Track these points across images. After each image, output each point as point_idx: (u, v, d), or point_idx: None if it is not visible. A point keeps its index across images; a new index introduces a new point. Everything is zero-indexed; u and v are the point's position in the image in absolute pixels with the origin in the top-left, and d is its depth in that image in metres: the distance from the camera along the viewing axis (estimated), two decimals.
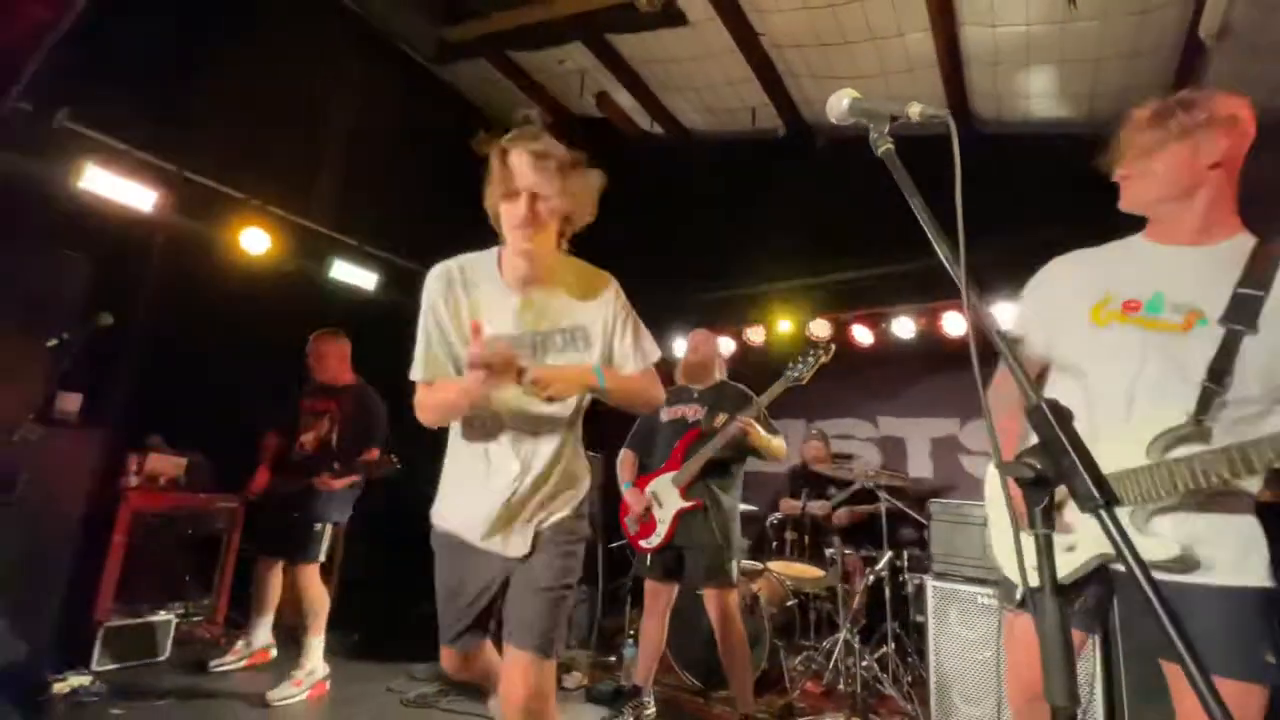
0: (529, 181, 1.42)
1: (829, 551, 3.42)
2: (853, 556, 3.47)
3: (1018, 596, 1.29)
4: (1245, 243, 1.20)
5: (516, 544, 1.51)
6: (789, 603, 3.36)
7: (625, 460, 2.93)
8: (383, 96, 4.73)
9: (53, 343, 2.60)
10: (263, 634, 3.05)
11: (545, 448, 1.53)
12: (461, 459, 1.58)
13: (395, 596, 3.71)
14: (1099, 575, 1.23)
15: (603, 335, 1.56)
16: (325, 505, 2.97)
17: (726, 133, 4.84)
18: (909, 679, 3.06)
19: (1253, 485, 1.13)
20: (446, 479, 1.62)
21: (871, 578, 3.25)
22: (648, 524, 2.71)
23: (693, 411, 2.76)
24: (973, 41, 3.23)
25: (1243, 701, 1.03)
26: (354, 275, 4.46)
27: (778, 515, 3.83)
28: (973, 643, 2.57)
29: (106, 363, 3.33)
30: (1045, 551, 0.61)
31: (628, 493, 2.81)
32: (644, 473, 2.84)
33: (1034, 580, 1.20)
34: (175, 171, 3.63)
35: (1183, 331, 1.17)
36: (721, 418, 2.65)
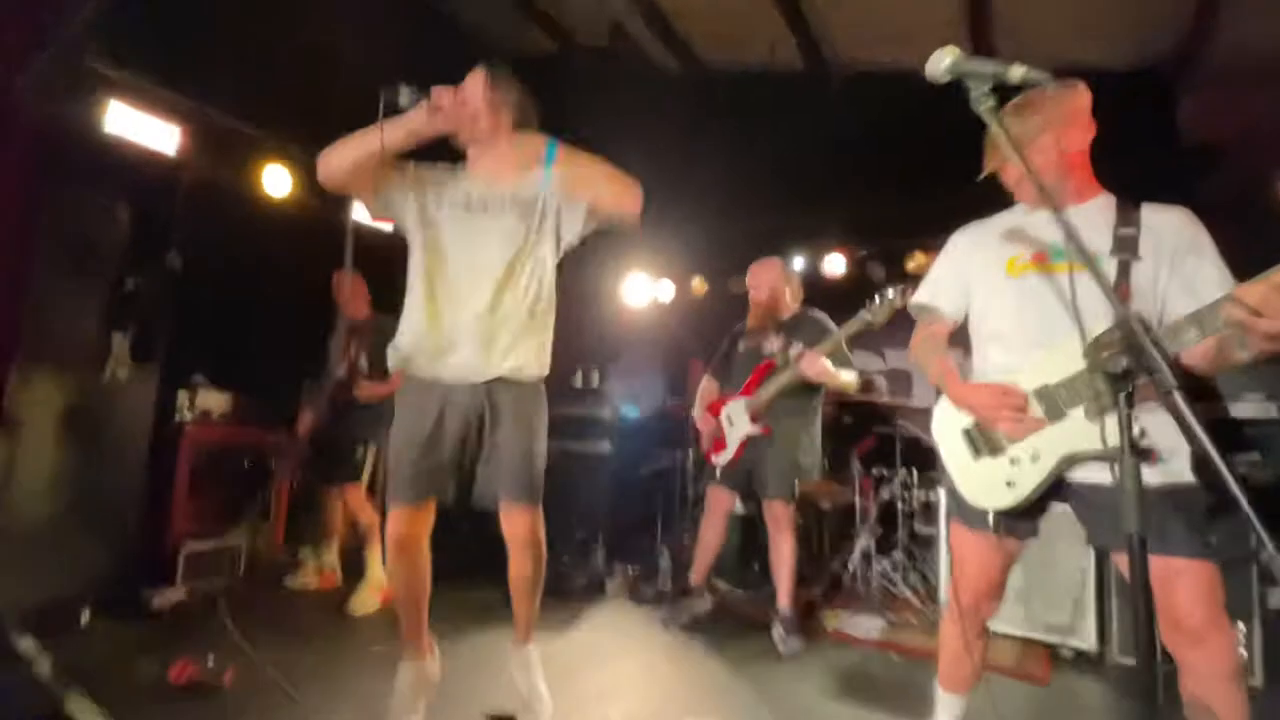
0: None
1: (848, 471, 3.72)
2: (866, 475, 3.77)
3: (991, 521, 1.50)
4: (1109, 198, 1.49)
5: None
6: (810, 516, 3.68)
7: (705, 389, 3.13)
8: (393, 31, 4.62)
9: (129, 287, 2.68)
10: (329, 558, 3.30)
11: None
12: None
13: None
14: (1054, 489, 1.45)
15: (551, 198, 1.80)
16: (361, 426, 3.18)
17: (744, 66, 4.80)
18: (919, 582, 3.40)
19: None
20: None
21: (886, 494, 3.56)
22: (719, 441, 2.96)
23: (769, 343, 2.92)
24: None
25: (1199, 576, 1.27)
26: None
27: None
28: None
29: (147, 305, 3.42)
30: (1126, 427, 0.80)
31: (699, 419, 3.06)
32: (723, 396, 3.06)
33: (995, 504, 1.46)
34: (195, 107, 3.61)
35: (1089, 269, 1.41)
36: (796, 349, 2.80)
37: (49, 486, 2.81)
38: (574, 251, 1.89)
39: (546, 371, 1.85)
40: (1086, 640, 2.61)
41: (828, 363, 2.69)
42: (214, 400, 3.59)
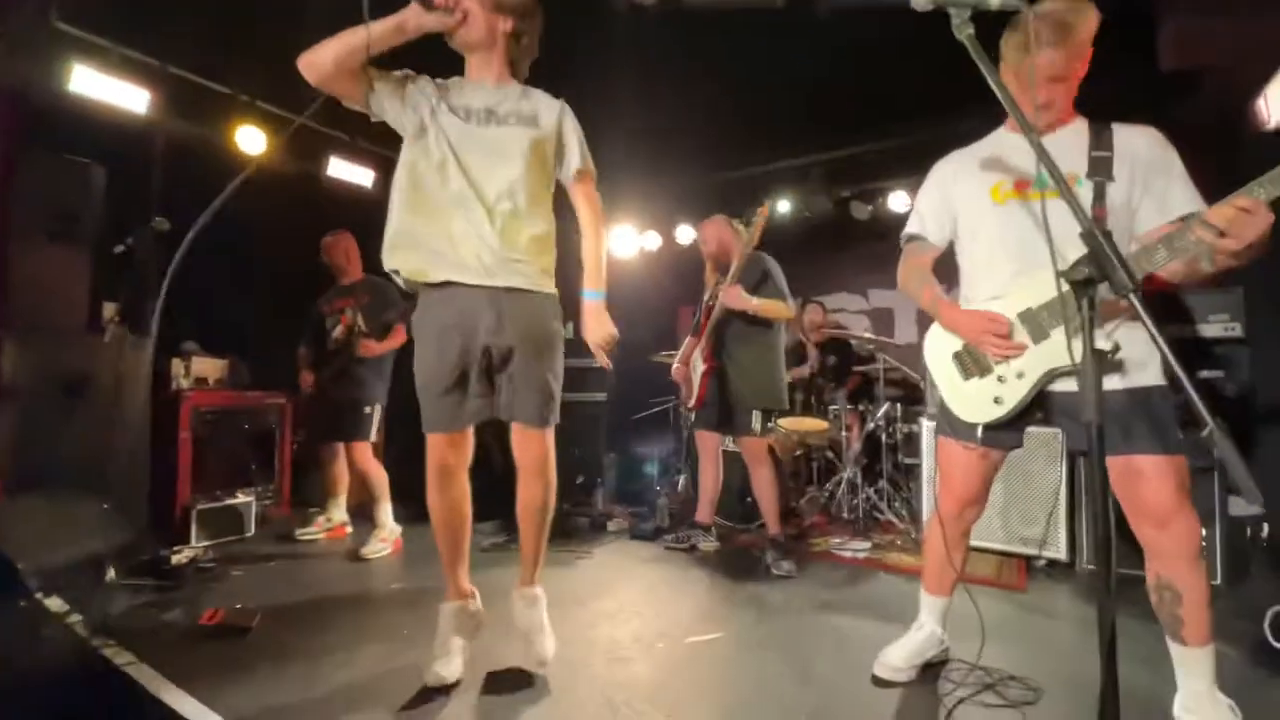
0: None
1: (832, 409, 3.85)
2: (852, 411, 3.91)
3: (979, 434, 1.63)
4: (1082, 123, 1.56)
5: None
6: (797, 453, 3.82)
7: (686, 344, 3.25)
8: None
9: (119, 249, 2.66)
10: (338, 513, 3.40)
11: None
12: None
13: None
14: (1038, 400, 1.56)
15: (555, 125, 1.78)
16: (369, 388, 3.26)
17: (724, 2, 4.68)
18: (903, 508, 3.59)
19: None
20: None
21: (871, 425, 3.70)
22: (689, 387, 3.14)
23: (717, 289, 3.03)
24: None
25: (1167, 469, 1.40)
26: (351, 173, 4.43)
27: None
28: None
29: (137, 271, 3.39)
30: (1089, 328, 0.89)
31: (675, 373, 3.22)
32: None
33: (984, 418, 1.56)
34: (160, 68, 3.50)
35: (1065, 195, 1.49)
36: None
37: (56, 454, 2.86)
38: (559, 204, 1.89)
39: (555, 292, 1.81)
40: (1058, 550, 2.80)
41: (741, 291, 2.84)
42: (209, 367, 3.62)
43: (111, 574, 2.50)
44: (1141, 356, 1.43)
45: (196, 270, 3.60)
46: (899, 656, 1.80)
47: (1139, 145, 1.49)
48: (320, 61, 1.60)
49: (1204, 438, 0.77)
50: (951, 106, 3.79)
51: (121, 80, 3.28)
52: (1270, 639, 1.90)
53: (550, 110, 1.79)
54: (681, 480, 4.15)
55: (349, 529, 3.43)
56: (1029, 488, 2.85)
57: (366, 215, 3.91)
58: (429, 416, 1.72)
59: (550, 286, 1.80)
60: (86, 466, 2.94)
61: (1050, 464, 2.83)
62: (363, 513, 3.35)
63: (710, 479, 3.18)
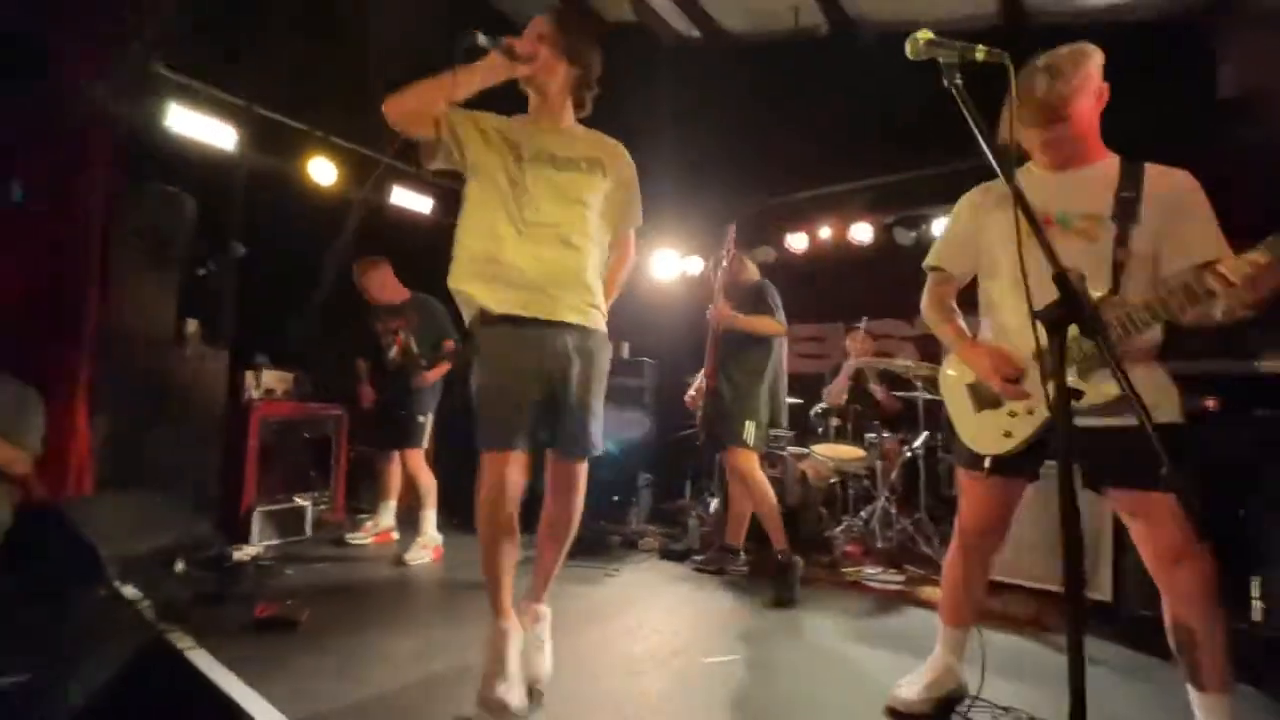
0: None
1: (869, 436, 3.80)
2: (891, 439, 3.85)
3: (987, 465, 1.64)
4: (1113, 161, 1.55)
5: None
6: (832, 480, 3.79)
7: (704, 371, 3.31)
8: (423, 17, 4.80)
9: (201, 271, 2.96)
10: (387, 518, 3.61)
11: None
12: None
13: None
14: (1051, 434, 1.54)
15: (622, 178, 1.90)
16: (422, 399, 3.48)
17: (768, 33, 4.79)
18: (939, 540, 3.49)
19: (1157, 334, 1.49)
20: None
21: (908, 453, 3.64)
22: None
23: None
24: None
25: (1172, 506, 1.37)
26: (412, 200, 4.73)
27: (821, 405, 4.20)
28: None
29: (216, 292, 3.74)
30: (1059, 365, 0.92)
31: (688, 400, 3.29)
32: None
33: (993, 450, 1.55)
34: (245, 107, 3.87)
35: (1090, 232, 1.51)
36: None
37: (140, 456, 3.17)
38: None
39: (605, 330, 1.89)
40: (1103, 593, 2.67)
41: (724, 306, 3.04)
42: (276, 379, 3.92)
43: (180, 566, 2.74)
44: (1154, 395, 1.42)
45: (271, 287, 4.00)
46: (913, 690, 1.79)
47: (1167, 187, 1.48)
48: (405, 107, 1.69)
49: (1162, 476, 0.79)
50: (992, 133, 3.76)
51: (211, 118, 3.65)
52: None
53: (615, 159, 1.89)
54: (714, 502, 4.17)
55: (395, 535, 3.62)
56: None
57: (425, 240, 4.22)
58: (487, 434, 1.72)
59: (604, 324, 1.89)
60: (167, 466, 3.24)
61: (1097, 500, 2.71)
62: (407, 520, 3.54)
63: (737, 502, 3.20)
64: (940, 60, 1.14)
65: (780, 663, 2.14)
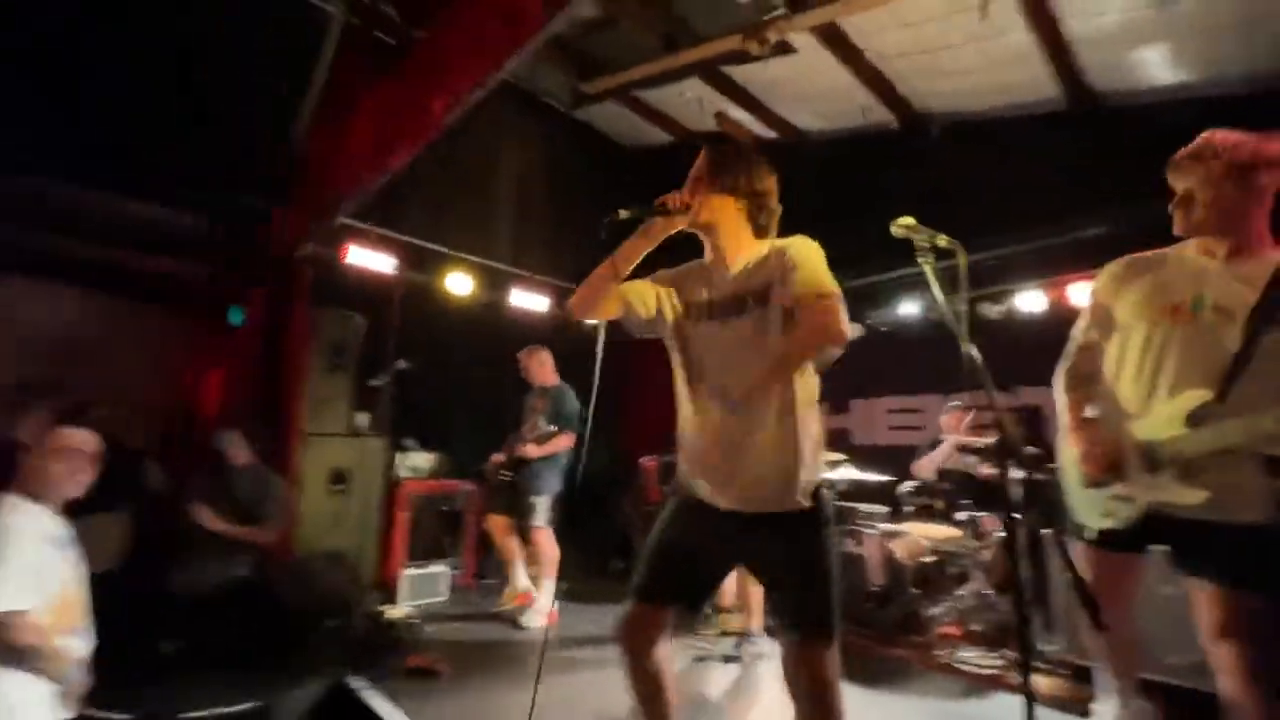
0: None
1: (959, 516, 3.80)
2: (987, 517, 3.81)
3: (1087, 536, 1.77)
4: (1271, 259, 1.56)
5: None
6: (925, 559, 3.80)
7: None
8: (532, 143, 5.72)
9: (376, 382, 3.76)
10: (521, 581, 4.00)
11: None
12: None
13: (591, 554, 4.75)
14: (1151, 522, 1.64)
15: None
16: (541, 480, 3.85)
17: (840, 130, 5.17)
18: (1041, 623, 3.39)
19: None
20: None
21: (1005, 532, 3.60)
22: None
23: None
24: (1076, 30, 3.38)
25: (1230, 598, 1.47)
26: (529, 301, 5.48)
27: (911, 482, 4.24)
28: None
29: (383, 395, 4.60)
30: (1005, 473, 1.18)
31: None
32: None
33: (1096, 525, 1.69)
34: (397, 238, 4.81)
35: (1217, 329, 1.57)
36: None
37: (321, 525, 3.94)
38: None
39: (807, 501, 1.54)
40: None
41: None
42: (422, 460, 4.65)
43: (355, 623, 3.37)
44: (1250, 496, 1.50)
45: (421, 383, 4.81)
46: None
47: None
48: (582, 302, 1.67)
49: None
50: (1078, 210, 3.83)
51: (376, 251, 4.58)
52: None
53: (777, 273, 1.63)
54: None
55: (534, 594, 3.94)
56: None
57: (541, 336, 4.89)
58: (634, 581, 1.66)
59: (793, 495, 1.54)
60: (340, 536, 3.99)
61: None
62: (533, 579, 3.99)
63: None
64: (914, 241, 1.47)
65: None
